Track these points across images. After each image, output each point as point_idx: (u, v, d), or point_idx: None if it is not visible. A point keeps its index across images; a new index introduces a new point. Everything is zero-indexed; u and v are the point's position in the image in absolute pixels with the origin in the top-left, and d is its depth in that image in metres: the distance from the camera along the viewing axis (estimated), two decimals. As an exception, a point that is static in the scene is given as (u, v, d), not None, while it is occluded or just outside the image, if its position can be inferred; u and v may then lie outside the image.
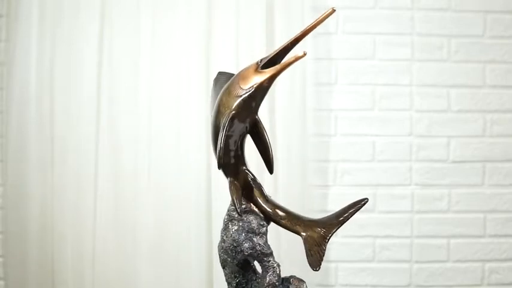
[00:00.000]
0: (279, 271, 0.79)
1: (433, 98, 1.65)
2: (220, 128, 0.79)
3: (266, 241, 0.79)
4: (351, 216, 0.83)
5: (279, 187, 1.52)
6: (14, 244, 1.55)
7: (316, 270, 0.77)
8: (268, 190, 0.88)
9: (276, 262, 0.79)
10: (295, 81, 1.55)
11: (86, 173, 1.53)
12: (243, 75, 0.80)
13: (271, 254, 0.79)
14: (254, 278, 0.83)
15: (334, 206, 1.62)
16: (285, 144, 1.53)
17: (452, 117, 1.65)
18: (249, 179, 0.84)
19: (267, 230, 0.81)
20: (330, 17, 1.71)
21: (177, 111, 1.53)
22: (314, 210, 1.59)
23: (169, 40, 1.55)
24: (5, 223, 1.58)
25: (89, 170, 1.54)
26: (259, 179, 0.86)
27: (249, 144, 0.86)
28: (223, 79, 0.86)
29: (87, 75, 1.53)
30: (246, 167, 0.84)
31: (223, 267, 0.83)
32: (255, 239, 0.78)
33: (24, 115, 1.53)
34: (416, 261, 1.65)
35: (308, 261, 0.79)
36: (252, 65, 0.82)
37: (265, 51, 1.53)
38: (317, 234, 0.81)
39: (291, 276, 0.81)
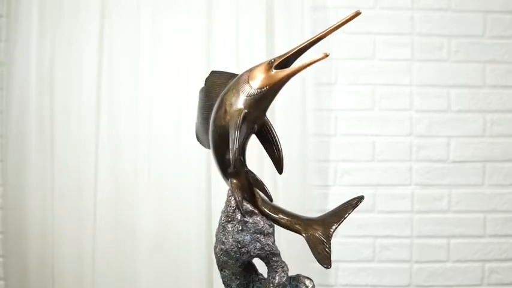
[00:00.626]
0: (288, 270, 0.79)
1: (433, 98, 1.65)
2: (228, 128, 0.78)
3: (274, 241, 0.79)
4: (349, 214, 0.83)
5: (279, 187, 1.52)
6: (14, 244, 1.55)
7: (328, 268, 0.79)
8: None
9: (284, 262, 0.79)
10: (295, 81, 1.54)
11: (86, 173, 1.53)
12: (253, 75, 0.79)
13: (279, 254, 0.79)
14: (257, 279, 0.82)
15: (334, 206, 1.62)
16: (285, 144, 1.53)
17: (452, 117, 1.65)
18: (252, 179, 0.83)
19: (274, 230, 0.81)
20: (330, 17, 1.72)
21: (177, 111, 1.53)
22: (314, 210, 1.59)
23: (169, 40, 1.55)
24: (5, 223, 1.58)
25: (88, 170, 1.54)
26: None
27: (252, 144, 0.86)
28: (219, 78, 0.85)
29: (87, 75, 1.53)
30: (247, 167, 0.84)
31: (221, 270, 0.82)
32: (263, 239, 0.77)
33: (24, 115, 1.53)
34: (416, 261, 1.65)
35: (317, 259, 0.79)
36: (263, 64, 0.80)
37: (265, 51, 1.53)
38: (319, 233, 0.82)
39: (298, 275, 0.81)
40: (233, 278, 0.81)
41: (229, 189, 0.82)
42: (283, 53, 0.81)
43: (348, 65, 1.63)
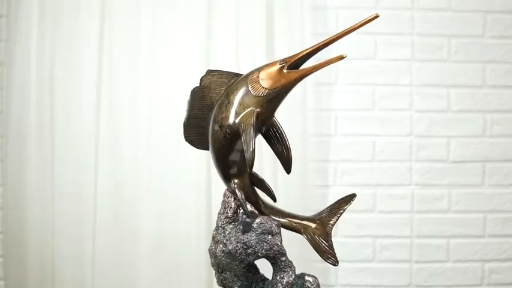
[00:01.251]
0: (295, 269, 0.79)
1: (433, 98, 1.65)
2: (236, 127, 0.77)
3: (281, 240, 0.79)
4: (344, 211, 0.87)
5: (279, 187, 1.52)
6: (14, 244, 1.55)
7: (336, 265, 0.81)
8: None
9: (291, 261, 0.79)
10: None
11: (86, 173, 1.53)
12: (265, 75, 0.79)
13: (286, 253, 0.79)
14: (259, 280, 0.82)
15: (334, 206, 1.62)
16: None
17: (452, 117, 1.65)
18: (256, 180, 0.83)
19: (280, 229, 0.81)
20: (330, 17, 1.72)
21: (177, 111, 1.53)
22: (314, 210, 1.58)
23: (169, 40, 1.55)
24: (5, 223, 1.58)
25: (89, 170, 1.53)
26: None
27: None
28: (219, 78, 0.83)
29: (87, 75, 1.53)
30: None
31: (221, 272, 0.81)
32: (271, 239, 0.77)
33: (24, 115, 1.53)
34: (416, 261, 1.65)
35: (323, 258, 0.81)
36: (273, 64, 0.80)
37: (265, 51, 1.53)
38: (319, 231, 0.83)
39: (303, 274, 0.81)
40: (235, 279, 0.80)
41: (232, 189, 0.81)
42: (294, 54, 0.80)
43: (348, 65, 1.63)
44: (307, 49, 0.80)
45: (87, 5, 1.53)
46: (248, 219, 0.80)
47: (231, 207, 0.81)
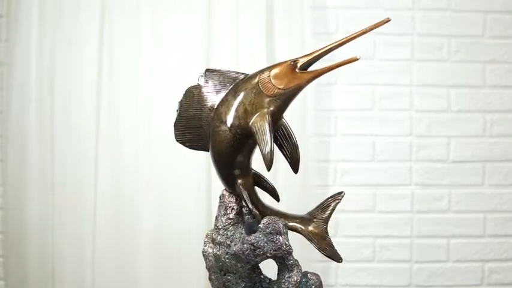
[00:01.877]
0: (301, 268, 0.79)
1: (433, 98, 1.65)
2: (247, 128, 0.76)
3: (288, 240, 0.79)
4: (335, 208, 0.88)
5: (279, 187, 1.51)
6: (14, 244, 1.55)
7: (340, 262, 0.82)
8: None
9: (297, 260, 0.79)
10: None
11: (86, 173, 1.53)
12: (277, 75, 0.78)
13: (292, 252, 0.79)
14: (263, 280, 0.82)
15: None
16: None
17: (452, 117, 1.65)
18: (260, 180, 0.83)
19: (287, 229, 0.81)
20: (330, 17, 1.72)
21: (177, 111, 1.53)
22: (314, 210, 1.59)
23: (169, 40, 1.55)
24: (5, 223, 1.58)
25: (89, 169, 1.54)
26: None
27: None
28: (220, 77, 0.83)
29: (87, 75, 1.53)
30: (252, 168, 0.84)
31: (224, 274, 0.80)
32: (280, 239, 0.76)
33: (24, 115, 1.53)
34: (416, 261, 1.65)
35: (328, 256, 0.83)
36: (284, 64, 0.80)
37: (265, 51, 1.53)
38: (317, 230, 0.84)
39: (306, 272, 0.81)
40: (239, 281, 0.79)
41: (237, 190, 0.81)
42: (307, 54, 0.80)
43: (348, 65, 1.62)
44: (319, 50, 0.80)
45: (87, 5, 1.53)
46: (251, 220, 0.79)
47: (233, 209, 0.81)
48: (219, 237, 0.80)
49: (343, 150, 1.65)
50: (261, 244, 0.76)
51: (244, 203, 0.81)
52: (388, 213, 1.65)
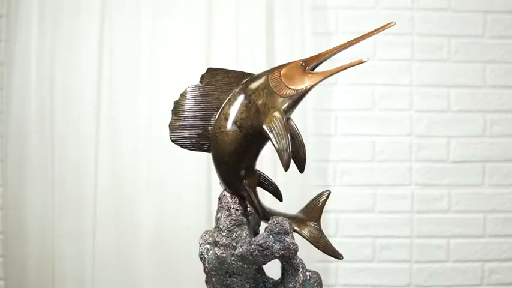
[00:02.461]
0: (305, 267, 0.79)
1: (433, 98, 1.65)
2: (259, 128, 0.75)
3: (294, 239, 0.79)
4: (323, 207, 0.90)
5: (278, 187, 1.52)
6: (14, 244, 1.55)
7: (341, 258, 0.83)
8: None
9: (301, 259, 0.79)
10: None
11: (86, 173, 1.54)
12: (288, 75, 0.78)
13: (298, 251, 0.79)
14: (266, 280, 0.82)
15: (334, 206, 1.63)
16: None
17: (452, 117, 1.65)
18: (265, 180, 0.83)
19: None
20: (330, 16, 1.71)
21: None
22: (314, 210, 1.59)
23: (169, 40, 1.55)
24: (5, 223, 1.58)
25: (89, 169, 1.54)
26: None
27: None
28: (225, 76, 0.81)
29: (87, 75, 1.53)
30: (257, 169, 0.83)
31: (230, 276, 0.79)
32: (287, 239, 0.76)
33: (24, 115, 1.53)
34: (416, 261, 1.65)
35: (328, 254, 0.83)
36: (293, 64, 0.79)
37: (265, 52, 1.53)
38: (313, 229, 0.85)
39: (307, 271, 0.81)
40: (244, 283, 0.79)
41: (245, 190, 0.80)
42: (316, 55, 0.80)
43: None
44: (327, 51, 0.80)
45: (87, 5, 1.53)
46: (255, 221, 0.79)
47: (237, 210, 0.79)
48: (223, 239, 0.79)
49: (343, 150, 1.65)
50: (269, 244, 0.76)
51: (249, 204, 0.80)
52: (388, 213, 1.65)
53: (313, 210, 0.88)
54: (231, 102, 0.79)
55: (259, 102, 0.77)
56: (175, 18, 1.54)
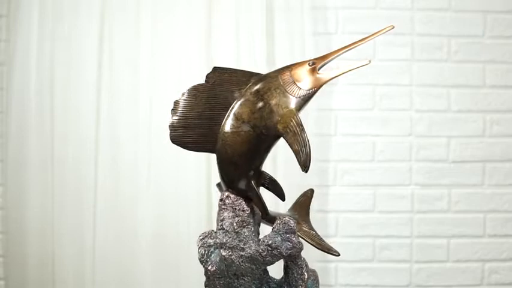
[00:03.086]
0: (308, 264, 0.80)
1: (433, 98, 1.65)
2: (272, 128, 0.75)
3: (299, 238, 0.79)
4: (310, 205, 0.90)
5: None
6: (14, 244, 1.55)
7: (339, 255, 0.82)
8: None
9: (304, 257, 0.79)
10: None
11: (86, 173, 1.54)
12: (298, 76, 0.79)
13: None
14: (270, 281, 0.82)
15: (334, 206, 1.63)
16: (285, 145, 1.53)
17: (452, 117, 1.65)
18: (269, 180, 0.83)
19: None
20: (330, 16, 1.72)
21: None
22: (314, 210, 1.58)
23: (169, 40, 1.55)
24: (5, 223, 1.58)
25: (89, 169, 1.54)
26: None
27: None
28: (232, 76, 0.80)
29: (87, 75, 1.53)
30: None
31: (238, 278, 0.78)
32: (294, 238, 0.76)
33: (24, 115, 1.53)
34: (416, 261, 1.65)
35: (324, 250, 0.83)
36: (302, 65, 0.80)
37: (265, 52, 1.53)
38: (305, 227, 0.86)
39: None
40: (251, 284, 0.79)
41: (253, 191, 0.79)
42: (323, 56, 0.81)
43: (348, 64, 1.62)
44: (334, 52, 0.82)
45: (87, 5, 1.53)
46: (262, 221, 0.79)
47: (243, 210, 0.79)
48: (230, 241, 0.78)
49: (343, 150, 1.65)
50: (278, 244, 0.76)
51: (256, 204, 0.80)
52: (388, 213, 1.65)
53: (301, 209, 0.88)
54: (241, 102, 0.78)
55: (273, 102, 0.77)
56: (175, 18, 1.54)
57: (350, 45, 0.81)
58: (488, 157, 1.65)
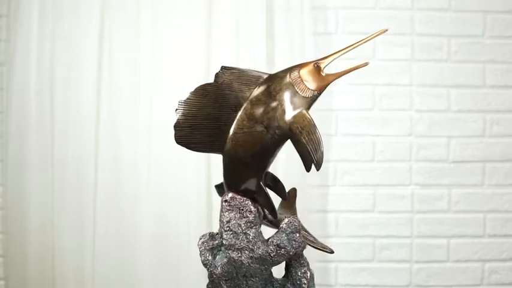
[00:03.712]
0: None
1: (433, 98, 1.65)
2: (286, 128, 0.75)
3: (302, 237, 0.79)
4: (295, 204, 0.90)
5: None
6: (14, 244, 1.55)
7: (332, 253, 0.84)
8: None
9: (305, 256, 0.80)
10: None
11: (86, 173, 1.54)
12: (305, 76, 0.78)
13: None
14: (274, 280, 0.82)
15: (334, 206, 1.63)
16: (285, 145, 1.53)
17: (452, 117, 1.65)
18: (272, 180, 0.83)
19: None
20: (330, 16, 1.72)
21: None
22: (314, 210, 1.59)
23: (169, 40, 1.55)
24: (5, 223, 1.58)
25: (89, 169, 1.54)
26: None
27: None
28: (241, 76, 0.79)
29: (87, 75, 1.53)
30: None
31: (247, 280, 0.78)
32: (298, 237, 0.77)
33: (24, 115, 1.53)
34: (416, 261, 1.65)
35: (318, 248, 0.84)
36: (308, 64, 0.79)
37: (265, 52, 1.53)
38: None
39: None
40: (259, 285, 0.79)
41: (262, 191, 0.79)
42: (326, 56, 0.81)
43: (348, 65, 1.62)
44: (336, 52, 0.82)
45: (87, 5, 1.53)
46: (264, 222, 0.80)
47: (250, 211, 0.78)
48: (238, 242, 0.77)
49: (344, 150, 1.65)
50: (285, 244, 0.77)
51: (265, 205, 0.79)
52: (388, 213, 1.65)
53: (288, 209, 0.88)
54: (253, 102, 0.77)
55: (286, 102, 0.77)
56: (175, 18, 1.54)
57: (352, 45, 0.82)
58: (488, 157, 1.65)
